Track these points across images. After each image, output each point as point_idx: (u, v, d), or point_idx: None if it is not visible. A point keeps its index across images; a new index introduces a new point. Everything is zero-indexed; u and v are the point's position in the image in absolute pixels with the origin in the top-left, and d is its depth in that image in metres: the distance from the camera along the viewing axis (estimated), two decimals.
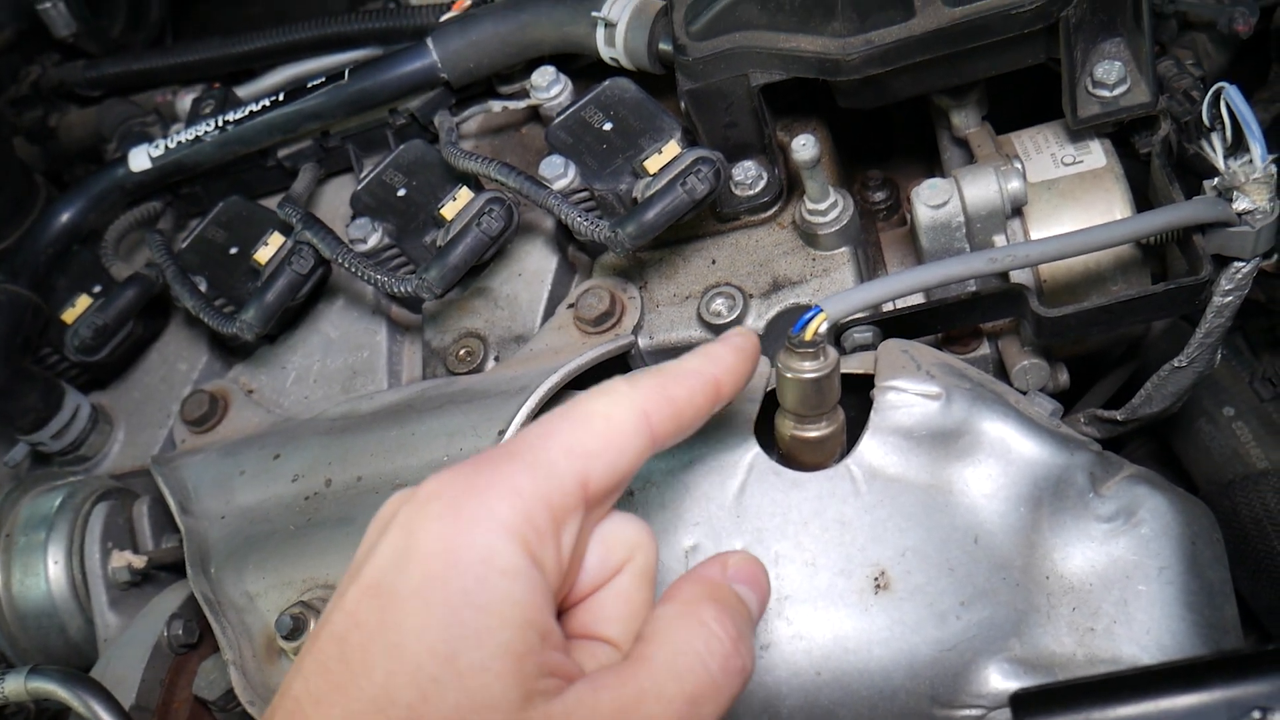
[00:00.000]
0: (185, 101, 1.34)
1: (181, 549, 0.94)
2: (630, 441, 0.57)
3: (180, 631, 0.87)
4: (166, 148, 1.09)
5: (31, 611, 0.93)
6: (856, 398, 0.81)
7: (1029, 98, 0.99)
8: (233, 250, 1.05)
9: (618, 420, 0.57)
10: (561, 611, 0.59)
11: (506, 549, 0.52)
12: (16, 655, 0.93)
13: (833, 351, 0.73)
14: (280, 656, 0.78)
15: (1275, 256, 1.44)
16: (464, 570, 0.51)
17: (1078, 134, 0.93)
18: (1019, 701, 0.59)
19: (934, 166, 1.05)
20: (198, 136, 1.07)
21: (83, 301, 1.06)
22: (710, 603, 0.57)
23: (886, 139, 1.14)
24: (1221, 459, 1.12)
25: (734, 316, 0.92)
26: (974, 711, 0.72)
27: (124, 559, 0.92)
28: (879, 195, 1.09)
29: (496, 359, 0.98)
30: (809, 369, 0.73)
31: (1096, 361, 1.13)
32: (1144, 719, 0.55)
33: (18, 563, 0.93)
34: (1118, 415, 0.99)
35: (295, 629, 0.75)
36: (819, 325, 0.72)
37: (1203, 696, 0.55)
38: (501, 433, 0.83)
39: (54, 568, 0.92)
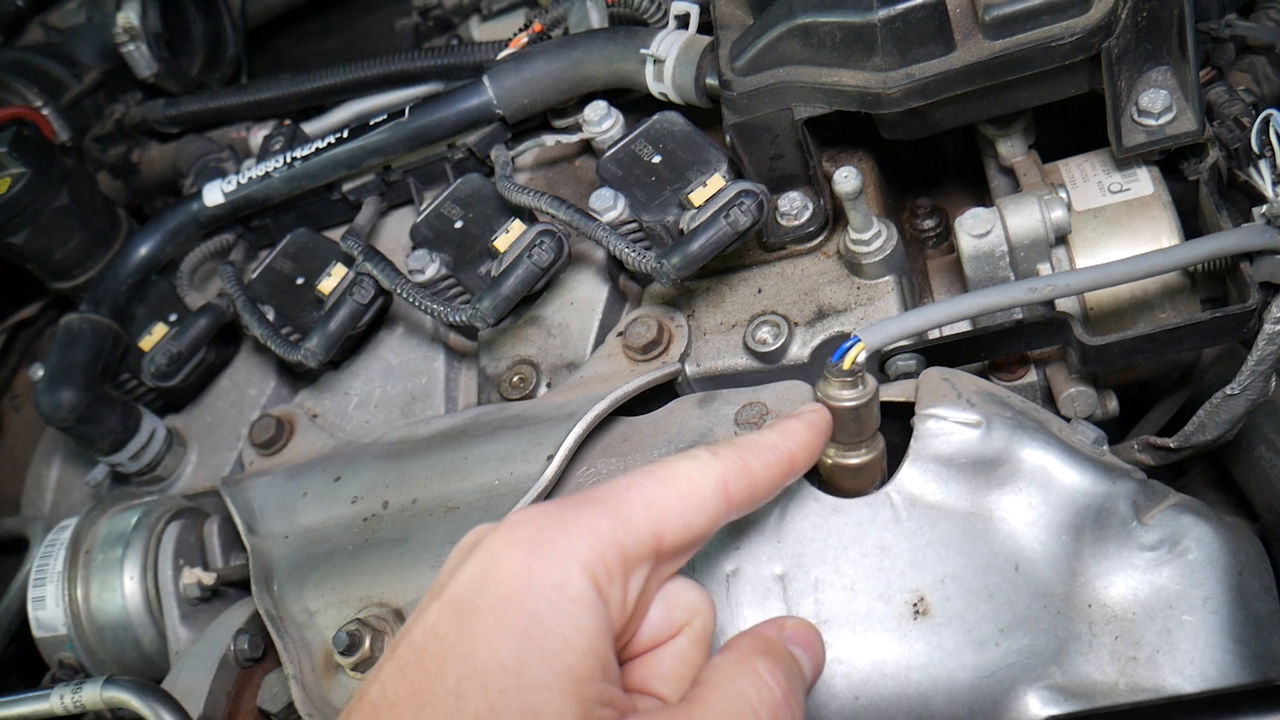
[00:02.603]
0: (258, 137, 1.40)
1: (248, 567, 0.99)
2: (708, 505, 0.62)
3: (246, 646, 0.92)
4: (238, 183, 1.14)
5: (108, 624, 0.98)
6: (898, 425, 0.82)
7: (1080, 123, 0.99)
8: (299, 280, 1.10)
9: (698, 484, 0.62)
10: (622, 663, 0.62)
11: (578, 580, 0.56)
12: (94, 665, 0.98)
13: (871, 380, 0.75)
14: (338, 671, 0.82)
15: None
16: (538, 595, 0.55)
17: (1125, 161, 0.93)
18: None
19: (983, 194, 1.05)
20: (267, 172, 1.12)
21: (159, 330, 1.11)
22: (765, 656, 0.61)
23: (936, 167, 1.15)
24: None
25: (779, 344, 0.93)
26: None
27: (194, 576, 0.97)
28: (928, 223, 1.10)
29: (549, 385, 1.01)
30: (848, 398, 0.74)
31: (1151, 388, 1.12)
32: None
33: (96, 578, 0.98)
34: (1170, 443, 0.98)
35: (351, 645, 0.79)
36: (857, 354, 0.73)
37: None
38: (550, 457, 0.86)
39: (130, 583, 0.97)
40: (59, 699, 0.85)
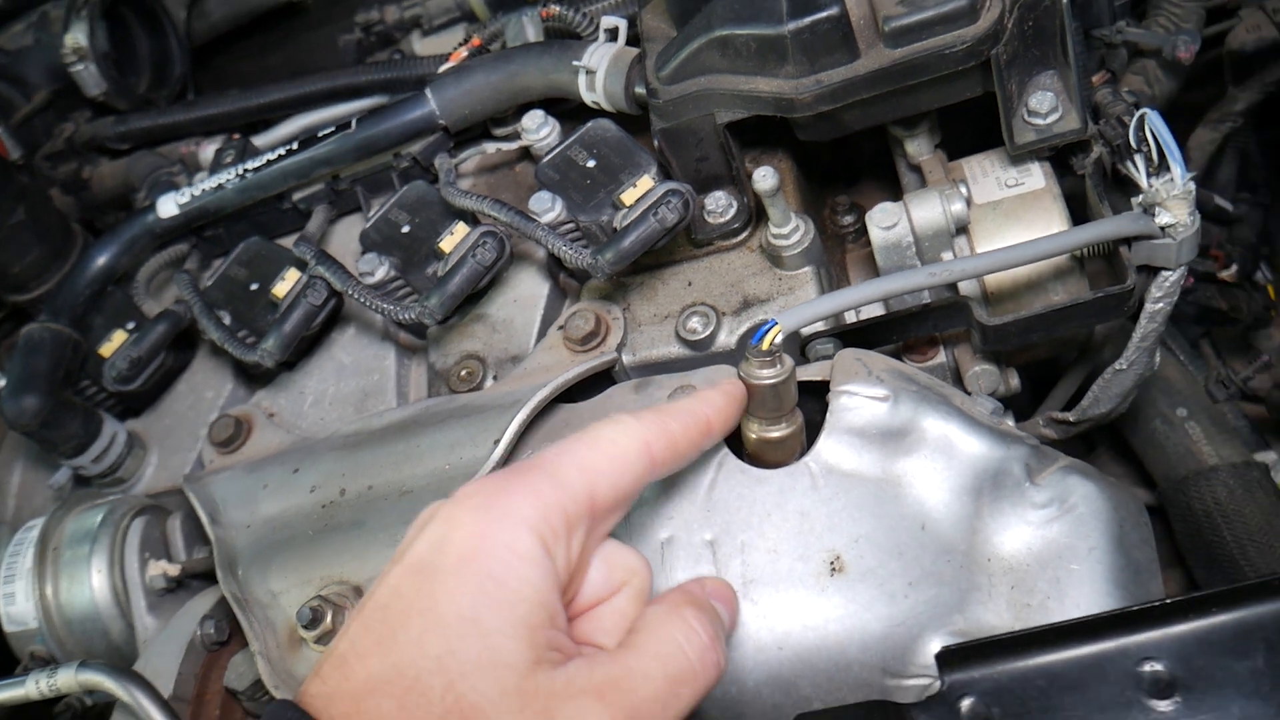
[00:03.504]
0: (208, 151, 1.45)
1: (211, 559, 1.04)
2: (632, 464, 0.69)
3: (212, 630, 0.96)
4: (192, 195, 1.19)
5: (77, 617, 1.02)
6: (816, 402, 0.90)
7: (983, 123, 1.07)
8: (253, 287, 1.15)
9: (623, 445, 0.69)
10: (569, 619, 0.68)
11: (527, 540, 0.63)
12: (64, 657, 1.02)
13: (788, 360, 0.82)
14: (301, 645, 0.87)
15: (1233, 266, 1.52)
16: (491, 554, 0.62)
17: (1019, 158, 1.02)
18: (944, 657, 0.67)
19: (898, 192, 1.14)
20: (220, 184, 1.18)
21: (118, 337, 1.16)
22: (691, 606, 0.68)
23: (854, 166, 1.23)
24: (1175, 456, 1.20)
25: (708, 333, 1.00)
26: (921, 680, 0.79)
27: (160, 567, 1.02)
28: (847, 219, 1.18)
29: (495, 378, 1.07)
30: (767, 376, 0.81)
31: (1054, 366, 1.21)
32: (1049, 666, 0.63)
33: (65, 574, 1.02)
34: (1070, 416, 1.07)
35: (314, 619, 0.84)
36: (775, 336, 0.81)
37: (1102, 646, 0.63)
38: (496, 441, 0.92)
39: (97, 577, 1.02)
40: (34, 684, 0.89)
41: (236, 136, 1.40)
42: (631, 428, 0.71)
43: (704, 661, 0.66)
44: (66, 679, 0.88)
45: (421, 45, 1.58)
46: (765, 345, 0.81)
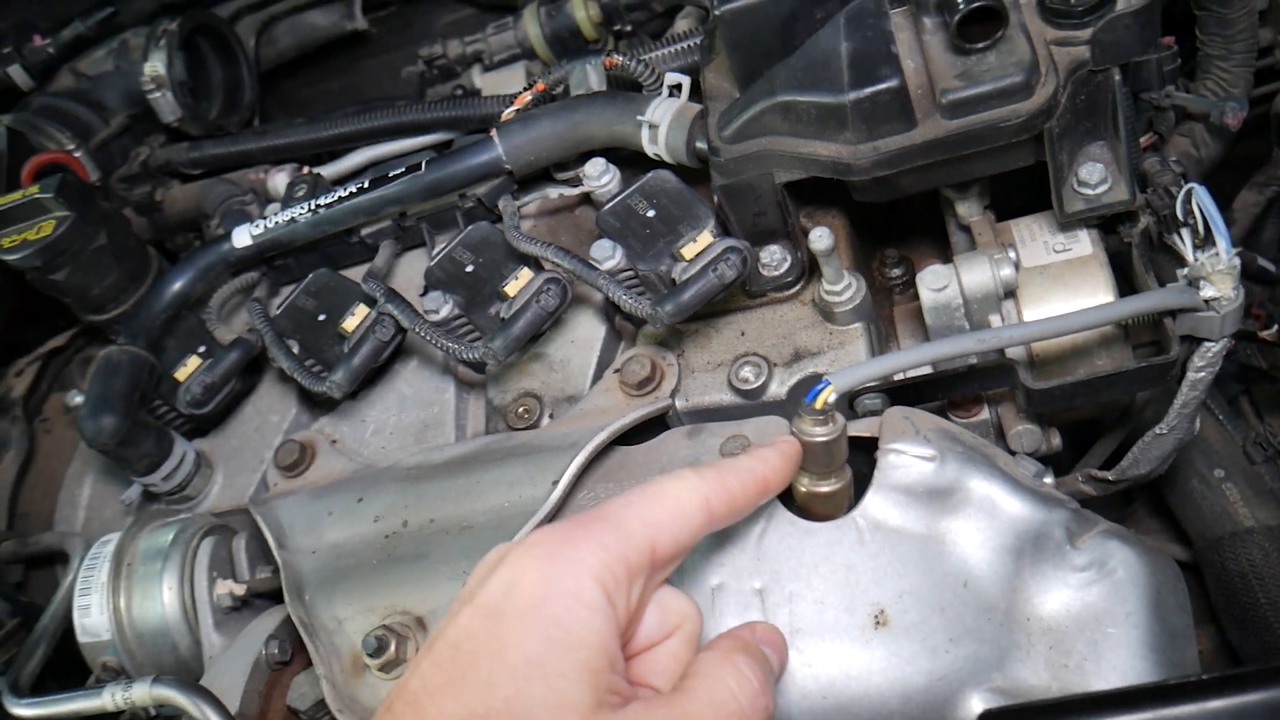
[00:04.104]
0: (276, 179, 1.50)
1: (274, 579, 1.09)
2: (692, 520, 0.73)
3: (276, 650, 1.01)
4: (265, 227, 1.24)
5: (148, 631, 1.07)
6: (863, 456, 0.93)
7: (1033, 186, 1.11)
8: (321, 317, 1.20)
9: (684, 501, 0.73)
10: (625, 660, 0.72)
11: (591, 589, 0.67)
12: (134, 668, 1.07)
13: (840, 418, 0.85)
14: (365, 672, 0.92)
15: (1275, 326, 1.54)
16: (558, 601, 0.66)
17: (1068, 224, 1.05)
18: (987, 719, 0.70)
19: (945, 247, 1.17)
20: (293, 218, 1.23)
21: (193, 362, 1.21)
22: (742, 653, 0.72)
23: (904, 221, 1.26)
24: (1212, 517, 1.22)
25: (760, 383, 1.04)
26: None
27: (226, 587, 1.07)
28: (895, 271, 1.21)
29: (551, 416, 1.11)
30: (819, 433, 0.85)
31: (1095, 425, 1.24)
32: None
33: (138, 589, 1.07)
34: (1109, 475, 1.10)
35: (379, 648, 0.88)
36: (828, 396, 0.84)
37: (1139, 717, 0.66)
38: (555, 482, 0.96)
39: (168, 594, 1.07)
40: (110, 696, 0.95)
41: (306, 170, 1.45)
42: (693, 484, 0.75)
43: (755, 706, 0.70)
44: (141, 692, 0.93)
45: (482, 80, 1.63)
46: (819, 404, 0.84)
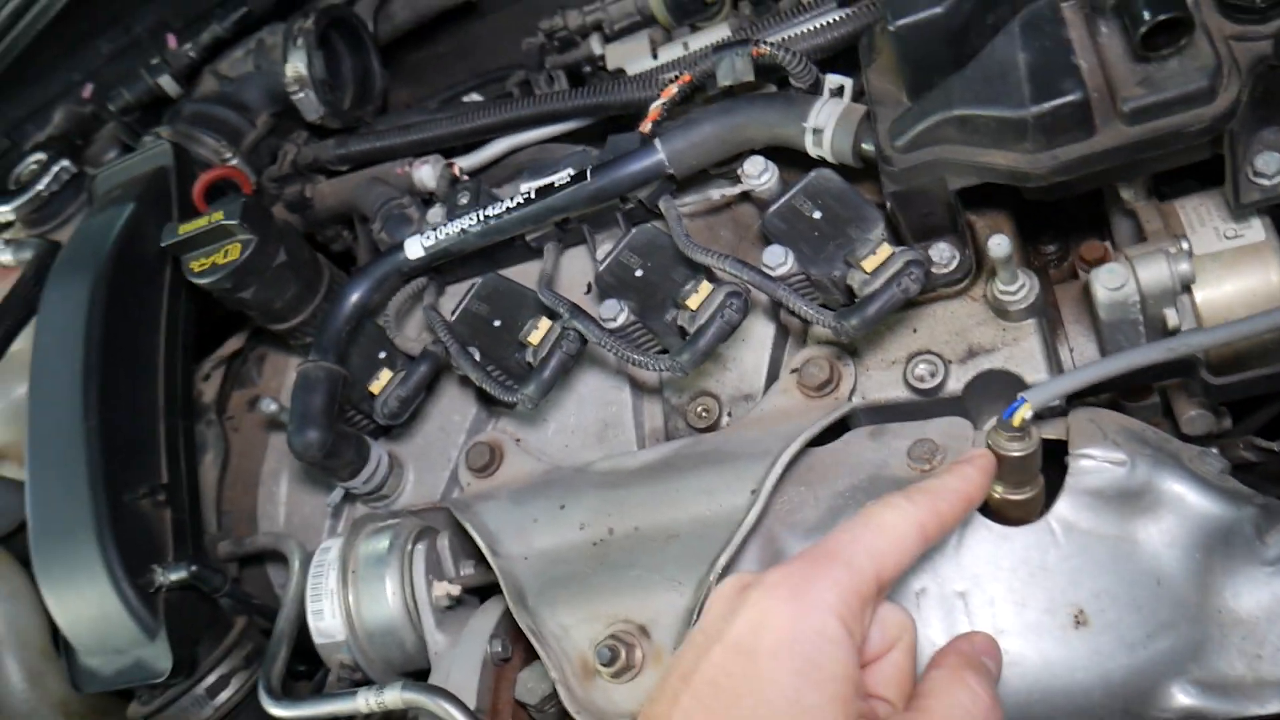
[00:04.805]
0: (421, 171, 1.54)
1: (479, 575, 1.19)
2: (910, 547, 0.79)
3: (499, 648, 1.11)
4: (437, 238, 1.30)
5: (377, 630, 1.17)
6: (1051, 458, 0.98)
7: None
8: (496, 323, 1.27)
9: (902, 530, 0.80)
10: None
11: (834, 625, 0.73)
12: (366, 665, 1.18)
13: (1035, 433, 0.90)
14: (595, 677, 1.00)
15: None
16: (806, 639, 0.73)
17: (1239, 210, 1.06)
18: None
19: (1101, 225, 1.19)
20: (464, 229, 1.28)
21: (385, 375, 1.29)
22: (970, 669, 0.78)
23: (1061, 202, 1.27)
24: None
25: (937, 382, 1.08)
26: None
27: (443, 588, 1.16)
28: (1050, 247, 1.24)
29: (729, 414, 1.17)
30: (1016, 449, 0.90)
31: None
32: None
33: (365, 593, 1.17)
34: (1275, 446, 1.13)
35: (613, 657, 0.97)
36: (1024, 414, 0.89)
37: None
38: (754, 491, 1.02)
39: (392, 597, 1.16)
40: (364, 700, 1.05)
41: (455, 167, 1.50)
42: (908, 512, 0.81)
43: None
44: (393, 696, 1.04)
45: (605, 50, 1.65)
46: (1016, 422, 0.89)
